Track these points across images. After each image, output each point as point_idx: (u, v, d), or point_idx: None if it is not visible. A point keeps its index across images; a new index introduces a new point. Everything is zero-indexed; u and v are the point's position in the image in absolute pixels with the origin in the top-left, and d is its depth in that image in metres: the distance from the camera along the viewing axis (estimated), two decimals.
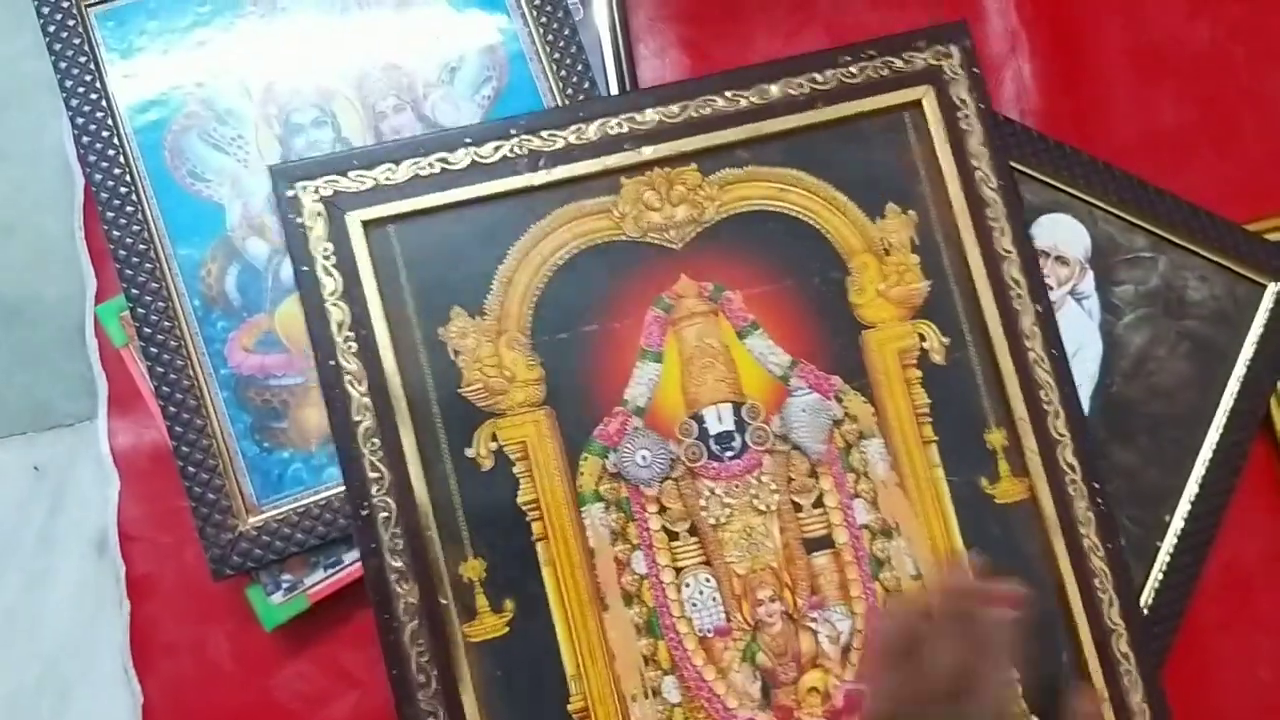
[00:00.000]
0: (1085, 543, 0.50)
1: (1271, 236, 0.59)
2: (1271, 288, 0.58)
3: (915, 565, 0.49)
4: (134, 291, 0.54)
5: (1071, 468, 0.50)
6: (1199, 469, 0.58)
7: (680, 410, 0.49)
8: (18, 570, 0.60)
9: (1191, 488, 0.57)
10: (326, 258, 0.47)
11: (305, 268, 0.47)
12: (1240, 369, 0.59)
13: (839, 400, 0.50)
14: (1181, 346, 0.59)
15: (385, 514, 0.46)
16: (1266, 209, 0.60)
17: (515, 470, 0.48)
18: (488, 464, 0.47)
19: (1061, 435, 0.50)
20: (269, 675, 0.58)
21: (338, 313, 0.47)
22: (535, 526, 0.47)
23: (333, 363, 0.46)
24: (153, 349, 0.54)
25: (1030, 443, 0.50)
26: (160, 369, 0.53)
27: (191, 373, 0.54)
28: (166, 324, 0.54)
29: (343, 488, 0.52)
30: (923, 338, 0.50)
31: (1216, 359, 0.58)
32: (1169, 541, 0.56)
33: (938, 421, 0.50)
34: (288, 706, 0.59)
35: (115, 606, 0.59)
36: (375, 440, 0.46)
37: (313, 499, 0.53)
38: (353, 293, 0.47)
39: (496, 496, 0.47)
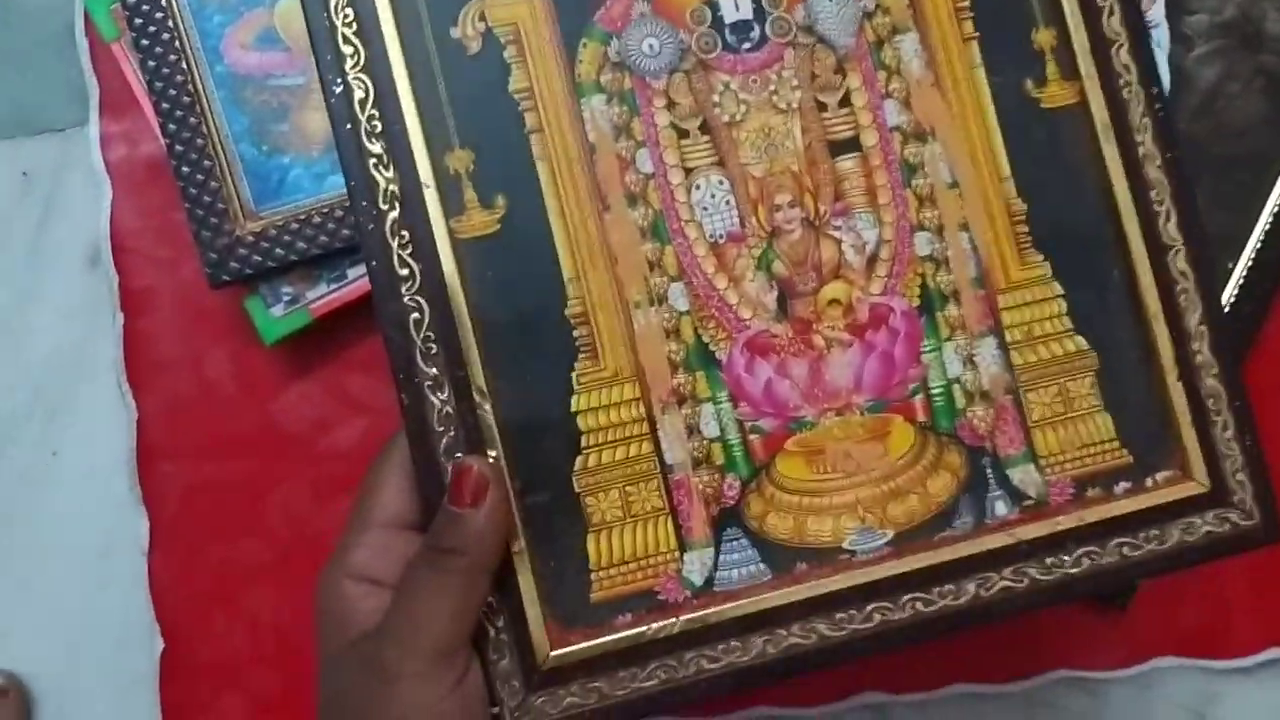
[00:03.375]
0: (1140, 150, 0.47)
1: None
2: None
3: (950, 171, 0.47)
4: None
5: (1127, 69, 0.47)
6: (1266, 216, 0.56)
7: None
8: (6, 282, 0.61)
9: (1258, 234, 0.55)
10: None
11: None
12: None
13: None
14: (1256, 82, 0.57)
15: (360, 94, 0.43)
16: None
17: (506, 55, 0.45)
18: (475, 46, 0.45)
19: (1117, 34, 0.47)
20: (271, 396, 0.59)
21: None
22: (529, 118, 0.45)
23: None
24: (145, 41, 0.52)
25: (1082, 41, 0.47)
26: (153, 63, 0.52)
27: (186, 68, 0.53)
28: (159, 15, 0.52)
29: (346, 196, 0.50)
30: None
31: None
32: (1230, 290, 0.53)
33: (980, 17, 0.47)
34: (290, 429, 0.59)
35: (108, 321, 0.59)
36: (348, 11, 0.44)
37: (314, 207, 0.53)
38: None
39: (485, 83, 0.45)
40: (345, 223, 0.53)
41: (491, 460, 0.44)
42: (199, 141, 0.53)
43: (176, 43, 0.53)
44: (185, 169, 0.53)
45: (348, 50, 0.44)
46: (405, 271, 0.44)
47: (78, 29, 0.60)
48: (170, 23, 0.53)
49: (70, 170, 0.61)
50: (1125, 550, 0.47)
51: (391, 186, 0.44)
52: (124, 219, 0.60)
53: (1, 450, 0.61)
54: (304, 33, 0.51)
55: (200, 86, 0.53)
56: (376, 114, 0.44)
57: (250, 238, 0.54)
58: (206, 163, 0.53)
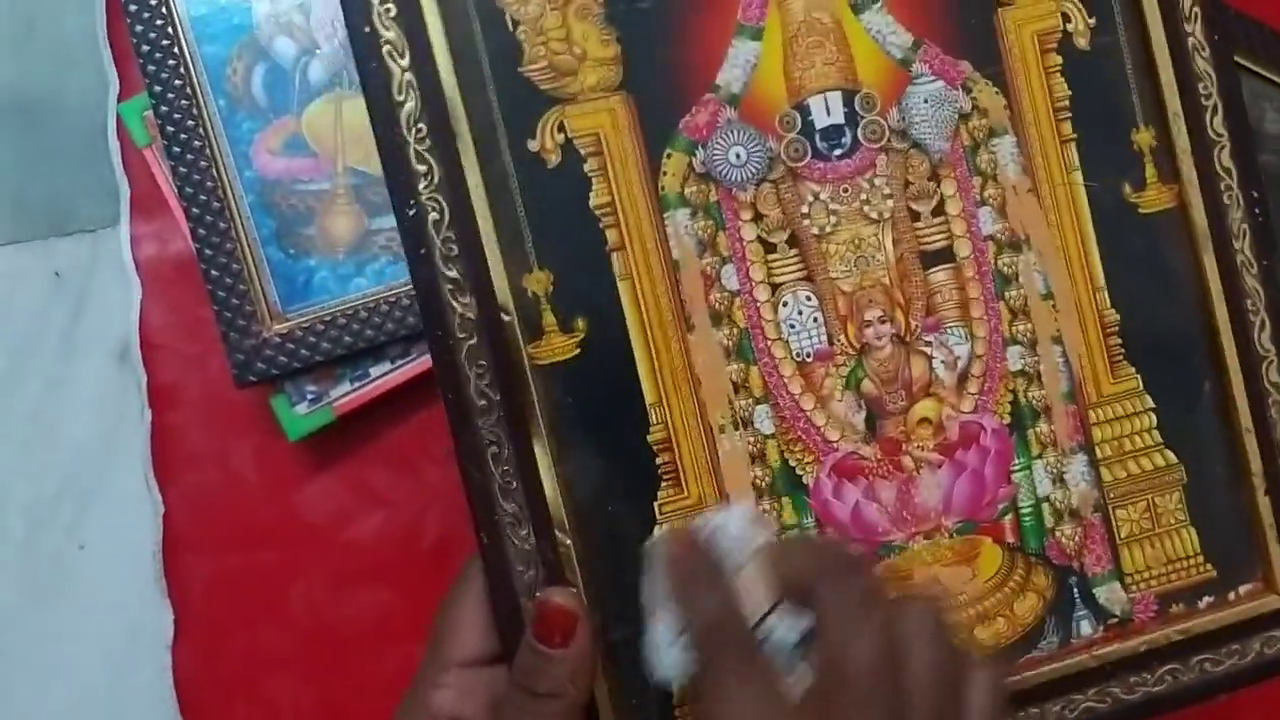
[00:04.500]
0: (1238, 259, 0.46)
1: None
2: None
3: (1045, 282, 0.45)
4: (157, 89, 0.54)
5: (1228, 172, 0.46)
6: None
7: (781, 99, 0.44)
8: (38, 376, 0.62)
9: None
10: None
11: None
12: None
13: (967, 90, 0.45)
14: None
15: (435, 215, 0.41)
16: None
17: (587, 167, 0.43)
18: (554, 159, 0.42)
19: (1219, 135, 0.46)
20: (293, 490, 0.60)
21: None
22: (610, 234, 0.43)
23: (368, 30, 0.41)
24: (176, 149, 0.54)
25: (1183, 143, 0.46)
26: (183, 169, 0.54)
27: (215, 174, 0.54)
28: (190, 123, 0.54)
29: (370, 298, 0.54)
30: (1066, 18, 0.45)
31: None
32: None
33: (1078, 117, 0.46)
34: (312, 522, 0.60)
35: (136, 416, 0.60)
36: (421, 126, 0.41)
37: (339, 308, 0.55)
38: None
39: (565, 198, 0.43)
40: (369, 323, 0.55)
41: (579, 596, 0.43)
42: (228, 246, 0.54)
43: (207, 150, 0.54)
44: (214, 272, 0.54)
45: (421, 169, 0.42)
46: (483, 403, 0.42)
47: (110, 133, 0.61)
48: (201, 130, 0.54)
49: (101, 269, 0.63)
50: (1207, 665, 0.47)
51: (468, 314, 0.42)
52: (153, 316, 0.61)
53: (30, 541, 0.62)
54: (329, 137, 0.52)
55: (229, 192, 0.54)
56: (453, 236, 0.42)
57: (276, 339, 0.55)
58: (235, 266, 0.54)
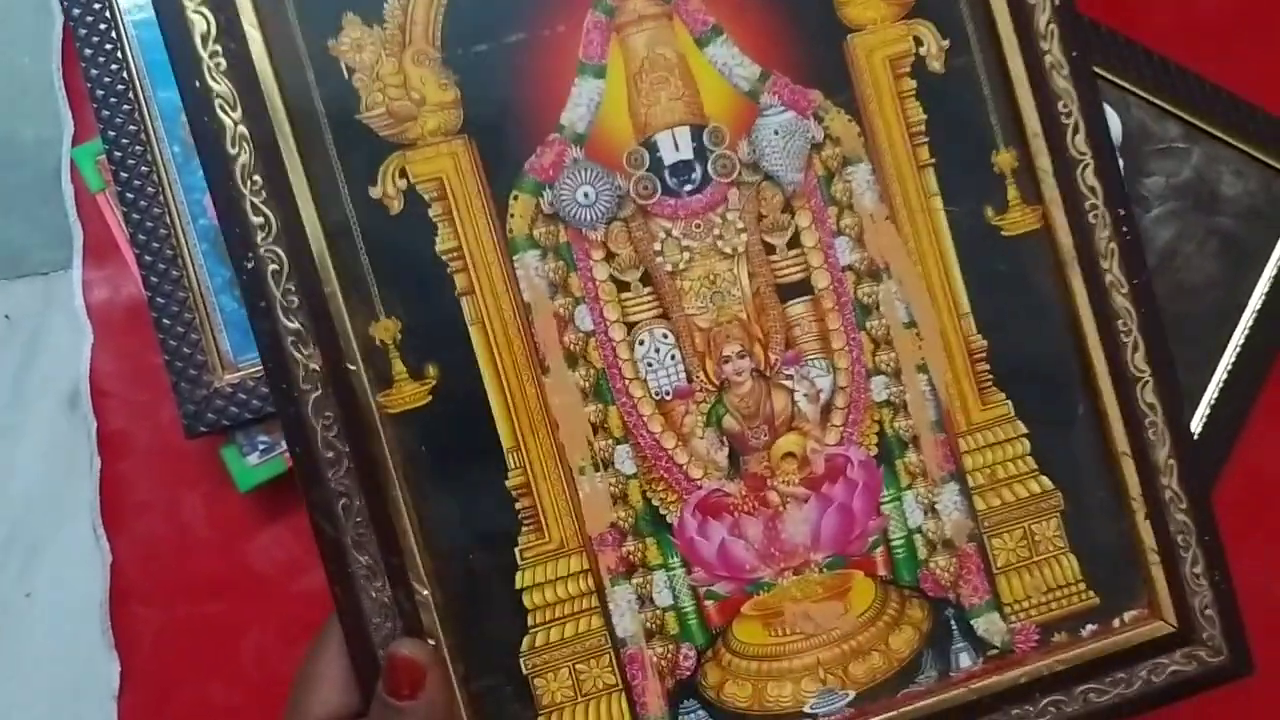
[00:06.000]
0: (1107, 278, 0.46)
1: None
2: None
3: (907, 310, 0.45)
4: (111, 134, 0.54)
5: (1093, 191, 0.45)
6: (1221, 372, 0.59)
7: (628, 137, 0.44)
8: None
9: (1212, 391, 0.57)
10: None
11: None
12: (1271, 269, 0.59)
13: (819, 119, 0.45)
14: (1210, 243, 0.59)
15: (275, 266, 0.41)
16: None
17: (431, 213, 0.43)
18: (397, 206, 0.42)
19: (1082, 153, 0.45)
20: (243, 540, 0.61)
21: (200, 21, 0.41)
22: (459, 279, 0.43)
23: (198, 84, 0.41)
24: (129, 194, 0.54)
25: (1045, 163, 0.45)
26: (137, 215, 0.54)
27: (169, 221, 0.54)
28: (144, 169, 0.54)
29: None
30: (919, 41, 0.45)
31: (1246, 258, 0.59)
32: None
33: (935, 141, 0.45)
34: (262, 572, 0.61)
35: (86, 463, 0.60)
36: (256, 178, 0.41)
37: None
38: None
39: (410, 245, 0.43)
40: None
41: (430, 646, 0.42)
42: (180, 294, 0.54)
43: (160, 196, 0.54)
44: (166, 320, 0.55)
45: (258, 220, 0.42)
46: (331, 454, 0.42)
47: (64, 177, 0.61)
48: (155, 177, 0.54)
49: (53, 313, 0.63)
50: (1091, 695, 0.46)
51: (312, 365, 0.42)
52: (103, 362, 0.61)
53: None
54: None
55: (183, 239, 0.55)
56: (293, 287, 0.42)
57: (228, 389, 0.55)
58: (187, 315, 0.55)
